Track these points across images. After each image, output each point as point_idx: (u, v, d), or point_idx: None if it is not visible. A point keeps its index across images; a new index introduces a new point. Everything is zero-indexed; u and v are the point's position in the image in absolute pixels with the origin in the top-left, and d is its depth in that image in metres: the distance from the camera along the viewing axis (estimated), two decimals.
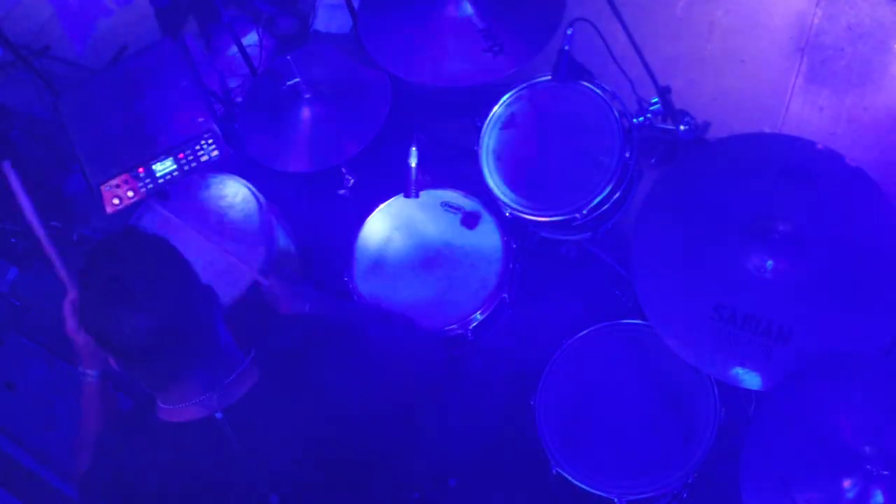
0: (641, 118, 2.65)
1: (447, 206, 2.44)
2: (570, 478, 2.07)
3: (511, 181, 2.35)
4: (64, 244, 2.38)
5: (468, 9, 2.33)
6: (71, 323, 1.79)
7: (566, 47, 2.29)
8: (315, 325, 1.98)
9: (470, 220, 2.40)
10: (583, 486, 2.05)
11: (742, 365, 1.86)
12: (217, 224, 2.50)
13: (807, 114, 3.19)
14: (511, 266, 2.33)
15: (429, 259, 2.38)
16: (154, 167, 2.52)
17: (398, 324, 2.17)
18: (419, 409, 1.87)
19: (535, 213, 2.30)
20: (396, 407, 1.72)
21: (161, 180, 2.51)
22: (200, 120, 2.55)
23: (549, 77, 2.37)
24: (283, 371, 1.62)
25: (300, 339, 1.79)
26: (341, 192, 3.16)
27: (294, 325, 2.08)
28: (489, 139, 2.41)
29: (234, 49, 3.44)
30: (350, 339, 1.79)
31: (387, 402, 1.69)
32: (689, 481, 2.02)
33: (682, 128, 2.79)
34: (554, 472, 2.10)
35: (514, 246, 2.38)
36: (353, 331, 1.88)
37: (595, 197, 2.25)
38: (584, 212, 2.25)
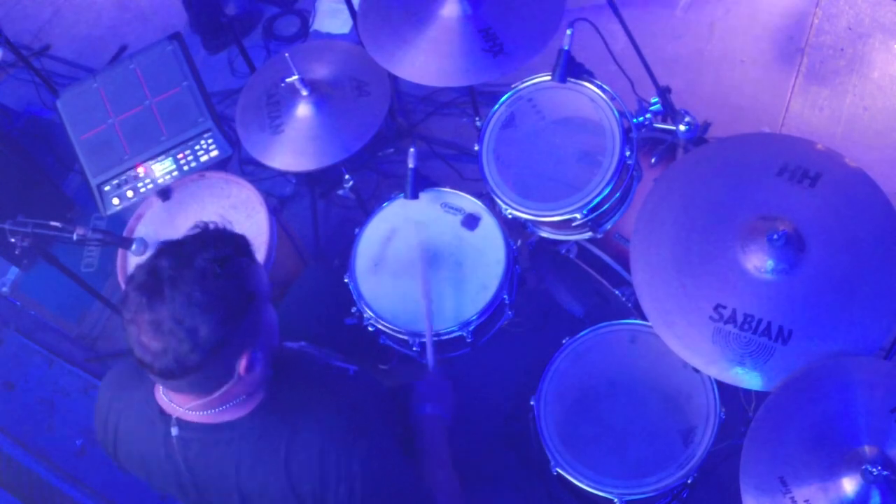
0: (641, 118, 2.65)
1: (447, 207, 2.44)
2: (570, 478, 2.07)
3: (511, 181, 2.35)
4: (64, 244, 2.37)
5: (468, 9, 2.33)
6: None
7: (566, 47, 2.29)
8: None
9: (470, 222, 2.40)
10: (583, 486, 2.05)
11: (742, 365, 1.86)
12: None
13: (807, 114, 3.19)
14: (512, 268, 2.33)
15: (429, 260, 2.38)
16: (154, 167, 2.53)
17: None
18: None
19: (535, 213, 2.30)
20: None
21: (161, 180, 2.51)
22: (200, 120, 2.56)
23: (549, 77, 2.37)
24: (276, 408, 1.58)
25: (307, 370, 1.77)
26: (341, 191, 3.16)
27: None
28: (489, 139, 2.40)
29: (235, 49, 3.45)
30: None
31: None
32: (689, 481, 2.02)
33: (682, 128, 2.78)
34: (554, 472, 2.10)
35: (515, 246, 2.38)
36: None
37: (595, 197, 2.25)
38: (584, 212, 2.25)
